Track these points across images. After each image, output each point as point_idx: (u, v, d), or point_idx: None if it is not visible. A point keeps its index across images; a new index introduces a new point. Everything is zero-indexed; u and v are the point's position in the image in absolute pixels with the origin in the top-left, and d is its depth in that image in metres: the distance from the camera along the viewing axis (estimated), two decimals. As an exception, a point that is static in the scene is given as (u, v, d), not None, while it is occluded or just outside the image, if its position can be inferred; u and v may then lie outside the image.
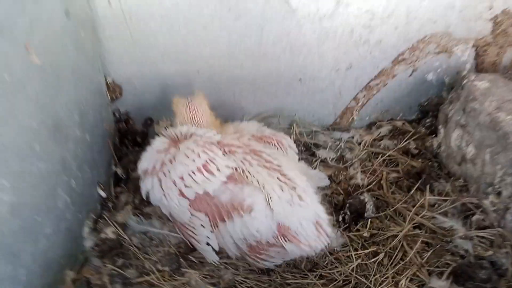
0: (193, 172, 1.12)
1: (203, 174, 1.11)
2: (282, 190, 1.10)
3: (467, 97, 1.41)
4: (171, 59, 1.51)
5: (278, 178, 1.13)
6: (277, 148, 1.31)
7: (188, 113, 1.32)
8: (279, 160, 1.18)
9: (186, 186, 1.11)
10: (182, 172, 1.12)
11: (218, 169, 1.12)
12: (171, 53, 1.50)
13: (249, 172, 1.13)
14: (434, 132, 1.62)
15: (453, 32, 1.55)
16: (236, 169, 1.13)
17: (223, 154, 1.17)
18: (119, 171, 1.53)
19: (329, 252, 1.27)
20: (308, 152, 1.64)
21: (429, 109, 1.67)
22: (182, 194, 1.12)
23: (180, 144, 1.20)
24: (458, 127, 1.44)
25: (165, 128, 1.29)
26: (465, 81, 1.46)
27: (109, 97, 1.54)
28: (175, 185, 1.12)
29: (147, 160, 1.22)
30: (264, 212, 1.07)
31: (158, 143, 1.26)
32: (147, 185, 1.19)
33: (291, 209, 1.08)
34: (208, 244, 1.15)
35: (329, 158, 1.61)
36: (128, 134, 1.63)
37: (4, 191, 0.87)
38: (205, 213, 1.13)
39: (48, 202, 1.04)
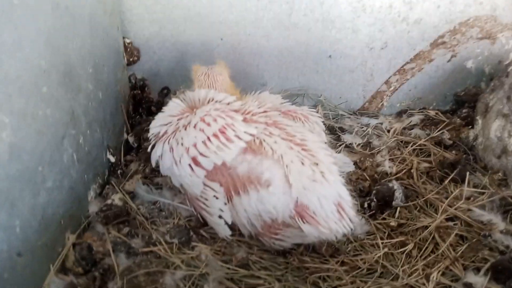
0: (208, 139, 1.02)
1: (219, 140, 1.01)
2: (303, 164, 1.00)
3: (513, 84, 1.29)
4: (194, 23, 1.42)
5: (299, 151, 1.02)
6: (303, 123, 1.21)
7: (207, 81, 1.23)
8: (303, 134, 1.08)
9: (201, 154, 1.01)
10: (196, 139, 1.02)
11: (236, 136, 1.02)
12: (195, 15, 1.41)
13: (267, 143, 1.02)
14: (470, 123, 1.50)
15: (499, 16, 1.44)
16: (254, 138, 1.03)
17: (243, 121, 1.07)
18: (131, 139, 1.44)
19: (352, 240, 1.16)
20: (332, 136, 1.53)
21: (466, 99, 1.56)
22: (197, 163, 1.02)
23: (197, 109, 1.11)
24: (499, 117, 1.33)
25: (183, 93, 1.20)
26: (510, 68, 1.34)
27: (125, 59, 1.45)
28: (187, 154, 1.03)
29: (160, 123, 1.13)
30: (282, 188, 0.97)
31: (173, 106, 1.17)
32: (157, 152, 1.10)
33: (311, 186, 0.97)
34: (220, 217, 1.05)
35: (355, 144, 1.50)
36: (143, 103, 1.54)
37: (3, 128, 0.77)
38: (220, 184, 1.03)
39: (52, 153, 0.95)
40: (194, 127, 1.04)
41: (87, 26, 1.12)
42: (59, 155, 0.98)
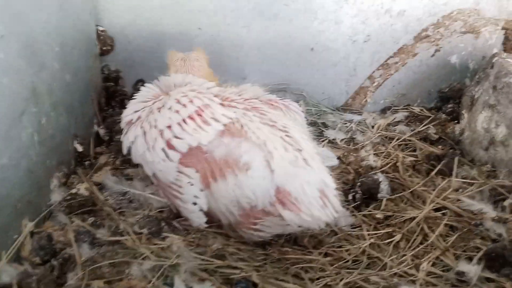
0: (184, 121, 0.95)
1: (195, 122, 0.94)
2: (286, 150, 0.93)
3: (498, 73, 1.26)
4: (171, 11, 1.37)
5: (282, 137, 0.96)
6: (284, 113, 1.15)
7: (183, 67, 1.18)
8: (285, 122, 1.02)
9: (176, 137, 0.94)
10: (171, 121, 0.95)
11: (213, 118, 0.95)
12: (173, 3, 1.35)
13: (248, 127, 0.96)
14: (455, 118, 1.46)
15: (483, 9, 1.42)
16: (234, 121, 0.97)
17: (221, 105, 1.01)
18: (102, 131, 1.36)
19: (336, 232, 1.08)
20: (315, 131, 1.47)
21: (450, 95, 1.52)
22: (171, 146, 0.95)
23: (172, 92, 1.04)
24: (486, 108, 1.29)
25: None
26: (495, 59, 1.31)
27: (98, 48, 1.38)
28: (161, 137, 0.95)
29: (133, 109, 1.06)
30: (262, 173, 0.90)
31: (146, 91, 1.10)
32: (130, 137, 1.02)
33: (293, 171, 0.91)
34: (195, 204, 0.97)
35: (338, 139, 1.44)
36: (116, 96, 1.47)
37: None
38: (196, 170, 0.95)
39: (8, 127, 0.86)
40: (169, 108, 0.98)
41: (55, 1, 1.05)
42: (16, 132, 0.89)
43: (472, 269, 0.93)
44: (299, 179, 0.91)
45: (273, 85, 1.47)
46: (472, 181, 1.20)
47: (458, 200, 1.13)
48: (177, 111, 0.97)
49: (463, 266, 0.94)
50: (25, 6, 0.91)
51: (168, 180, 0.99)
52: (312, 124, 1.47)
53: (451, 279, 0.93)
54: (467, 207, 1.11)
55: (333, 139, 1.44)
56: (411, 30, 1.44)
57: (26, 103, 0.93)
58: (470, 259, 0.97)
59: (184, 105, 0.97)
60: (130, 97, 1.45)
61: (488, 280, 0.92)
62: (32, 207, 0.97)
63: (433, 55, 1.49)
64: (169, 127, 0.95)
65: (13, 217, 0.90)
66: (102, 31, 1.37)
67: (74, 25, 1.17)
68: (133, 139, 1.01)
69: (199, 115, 0.96)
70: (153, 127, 0.98)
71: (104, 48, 1.39)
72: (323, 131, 1.46)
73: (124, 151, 1.06)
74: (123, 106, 1.44)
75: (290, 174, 0.91)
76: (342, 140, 1.44)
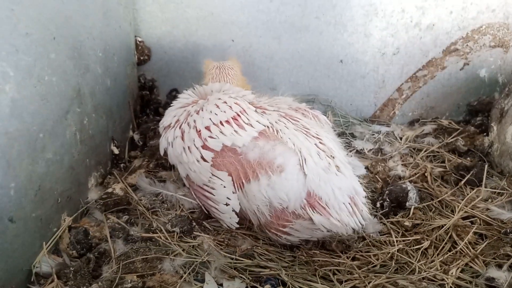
0: (221, 123, 0.99)
1: (232, 127, 0.99)
2: (319, 157, 0.96)
3: (529, 85, 1.26)
4: (206, 22, 1.42)
5: (315, 144, 0.99)
6: (316, 121, 1.18)
7: (219, 75, 1.22)
8: (317, 129, 1.06)
9: (212, 137, 0.98)
10: (210, 121, 1.00)
11: (249, 124, 1.00)
12: (207, 15, 1.41)
13: (284, 133, 0.99)
14: (484, 131, 1.46)
15: (512, 24, 1.43)
16: (268, 127, 1.01)
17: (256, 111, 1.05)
18: (137, 137, 1.41)
19: (364, 237, 1.09)
20: (343, 141, 1.48)
21: (479, 108, 1.52)
22: (205, 147, 0.99)
23: (210, 96, 1.09)
24: (516, 120, 1.29)
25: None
26: (526, 71, 1.31)
27: (136, 57, 1.45)
28: (200, 137, 1.00)
29: (171, 115, 1.12)
30: (296, 175, 0.93)
31: (184, 97, 1.16)
32: (168, 138, 1.08)
33: (326, 177, 0.93)
34: (227, 205, 1.00)
35: (366, 149, 1.45)
36: (151, 104, 1.53)
37: (7, 81, 0.75)
38: (229, 173, 0.99)
39: (55, 123, 0.92)
40: (209, 111, 1.02)
41: (99, 10, 1.12)
42: (62, 128, 0.95)
43: (503, 276, 0.92)
44: (330, 184, 0.93)
45: (302, 96, 1.52)
46: (501, 191, 1.19)
47: (488, 209, 1.13)
48: (216, 114, 1.01)
49: (493, 272, 0.94)
50: (74, 12, 0.98)
51: (202, 181, 1.03)
52: (340, 134, 1.50)
53: (481, 285, 0.92)
54: (496, 216, 1.10)
55: (361, 149, 1.45)
56: (440, 44, 1.46)
57: (71, 102, 0.98)
58: (500, 266, 0.96)
59: (222, 110, 1.02)
60: (164, 106, 1.52)
61: (519, 287, 0.91)
62: (71, 202, 1.02)
63: (462, 69, 1.50)
64: (207, 127, 1.00)
65: (54, 211, 0.95)
66: (140, 41, 1.44)
67: (115, 33, 1.24)
68: (172, 139, 1.06)
69: (235, 119, 1.00)
70: (193, 127, 1.02)
71: (142, 58, 1.46)
72: (351, 141, 1.47)
73: (161, 152, 1.11)
74: (157, 114, 1.51)
75: (322, 179, 0.93)
76: (370, 150, 1.45)
